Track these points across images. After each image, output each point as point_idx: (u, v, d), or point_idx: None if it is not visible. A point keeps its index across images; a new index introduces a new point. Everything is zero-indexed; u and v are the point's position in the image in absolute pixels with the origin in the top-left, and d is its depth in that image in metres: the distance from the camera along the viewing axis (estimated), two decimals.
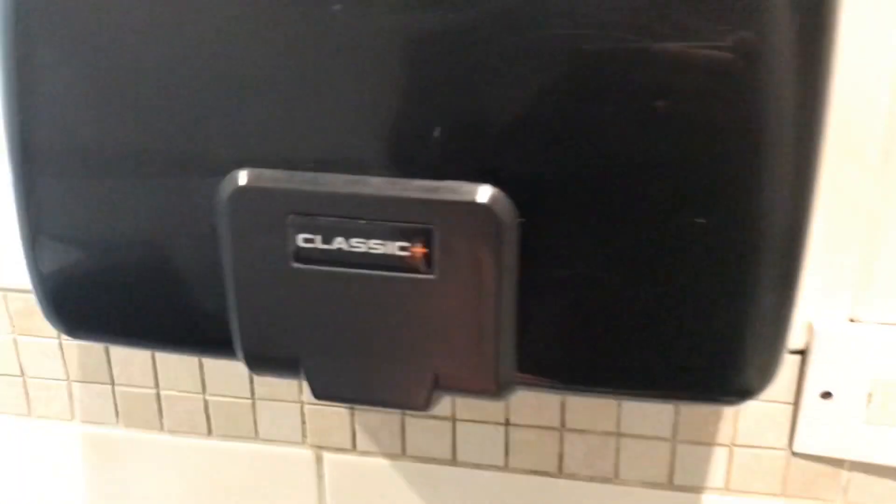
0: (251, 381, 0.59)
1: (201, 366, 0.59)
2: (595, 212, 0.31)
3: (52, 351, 0.60)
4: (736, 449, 0.53)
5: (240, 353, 0.35)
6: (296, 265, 0.33)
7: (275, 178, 0.32)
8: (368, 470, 0.59)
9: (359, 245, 0.32)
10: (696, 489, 0.55)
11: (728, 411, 0.52)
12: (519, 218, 0.31)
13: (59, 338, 0.60)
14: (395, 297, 0.33)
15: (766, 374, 0.33)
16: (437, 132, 0.31)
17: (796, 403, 0.51)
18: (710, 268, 0.31)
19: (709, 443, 0.53)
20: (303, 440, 0.59)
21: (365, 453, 0.59)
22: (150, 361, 0.59)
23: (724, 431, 0.53)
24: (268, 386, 0.59)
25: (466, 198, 0.31)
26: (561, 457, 0.56)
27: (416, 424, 0.57)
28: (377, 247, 0.32)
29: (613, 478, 0.56)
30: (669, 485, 0.55)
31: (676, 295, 0.32)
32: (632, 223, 0.31)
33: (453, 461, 0.58)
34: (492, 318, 0.32)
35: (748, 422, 0.52)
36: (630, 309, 0.32)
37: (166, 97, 0.33)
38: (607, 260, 0.31)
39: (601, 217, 0.31)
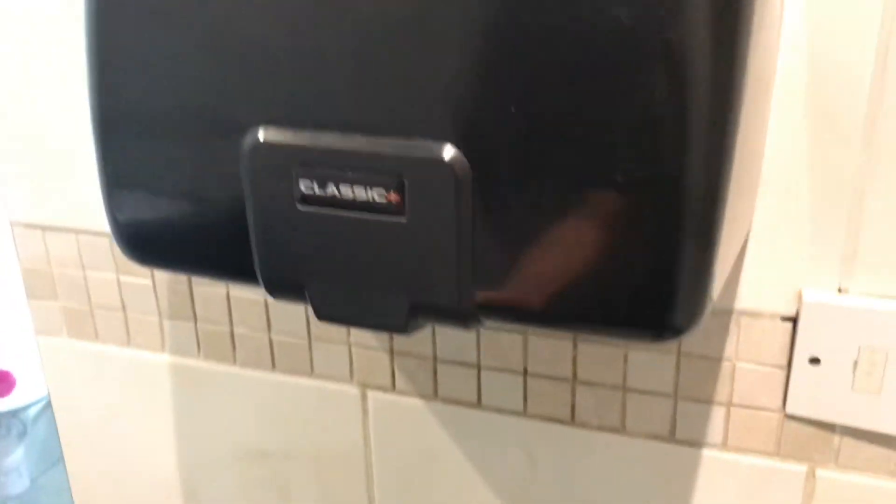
0: (308, 323, 0.67)
1: (267, 308, 0.68)
2: (534, 170, 0.37)
3: (148, 290, 0.71)
4: (733, 408, 0.57)
5: (260, 280, 0.44)
6: (300, 207, 0.40)
7: (284, 135, 0.40)
8: (406, 408, 0.66)
9: (347, 191, 0.39)
10: (697, 444, 0.59)
11: (724, 372, 0.57)
12: (473, 172, 0.38)
13: (152, 278, 0.71)
14: (376, 235, 0.40)
15: (692, 315, 0.38)
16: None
17: (788, 367, 0.55)
18: (634, 220, 0.37)
19: (707, 401, 0.58)
20: (350, 378, 0.68)
21: (403, 393, 0.66)
22: (225, 302, 0.69)
23: (722, 391, 0.57)
24: (322, 328, 0.67)
25: (432, 155, 0.38)
26: (573, 406, 0.61)
27: (447, 370, 0.64)
28: (361, 193, 0.39)
29: (621, 428, 0.61)
30: (671, 438, 0.60)
31: (608, 242, 0.37)
32: (563, 178, 0.36)
33: (478, 404, 0.64)
34: (453, 258, 0.39)
35: (744, 383, 0.56)
36: (567, 252, 0.38)
37: (204, 73, 0.41)
38: (544, 208, 0.37)
39: (539, 174, 0.37)
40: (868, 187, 0.50)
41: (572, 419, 0.62)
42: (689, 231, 0.37)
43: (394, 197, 0.38)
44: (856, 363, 0.53)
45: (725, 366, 0.57)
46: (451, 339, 0.63)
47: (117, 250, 0.70)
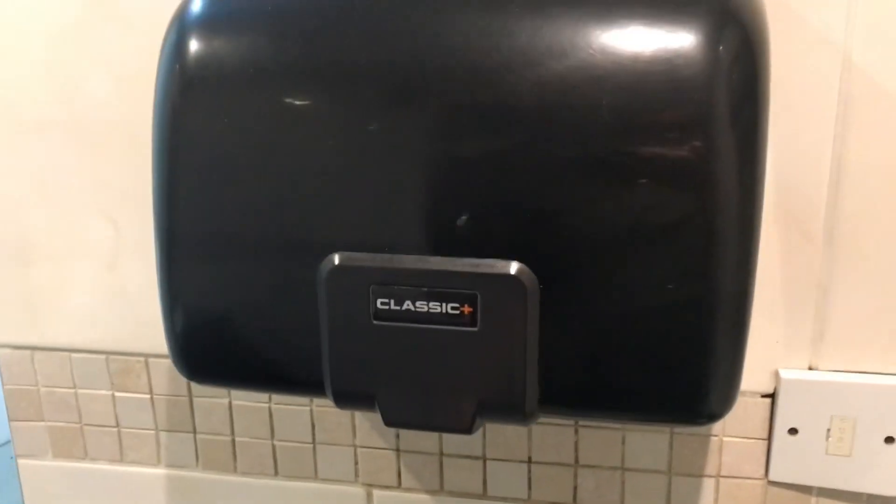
0: (313, 428, 0.70)
1: (271, 415, 0.70)
2: (593, 282, 0.42)
3: (145, 405, 0.72)
4: (721, 479, 0.64)
5: (329, 392, 0.47)
6: (375, 322, 0.45)
7: (361, 258, 0.44)
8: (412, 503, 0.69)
9: (422, 306, 0.44)
10: None
11: (712, 447, 0.63)
12: (540, 285, 0.43)
13: (150, 393, 0.71)
14: (448, 345, 0.44)
15: (726, 402, 0.44)
16: (470, 221, 0.43)
17: (769, 439, 0.62)
18: (679, 322, 0.43)
19: (698, 474, 0.64)
20: (355, 479, 0.70)
21: (409, 489, 0.69)
22: (227, 412, 0.70)
23: (711, 464, 0.63)
24: (326, 432, 0.69)
25: (501, 271, 0.43)
26: (575, 489, 0.66)
27: (452, 463, 0.68)
28: (435, 307, 0.44)
29: None
30: None
31: (656, 343, 0.43)
32: (619, 289, 0.42)
33: (484, 495, 0.68)
34: (521, 360, 0.44)
35: (730, 456, 0.63)
36: (624, 353, 0.43)
37: (279, 203, 0.45)
38: (602, 315, 0.43)
39: (597, 286, 0.42)
40: (831, 279, 0.58)
41: (574, 501, 0.66)
42: (724, 329, 0.43)
43: (467, 310, 0.43)
44: (828, 431, 0.60)
45: (713, 441, 0.63)
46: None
47: (113, 366, 0.71)
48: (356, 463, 0.70)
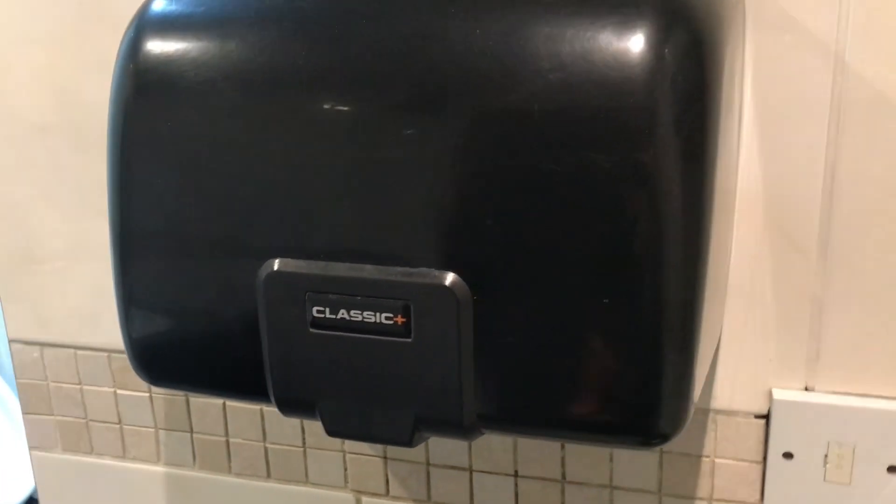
0: (303, 432, 0.69)
1: (263, 417, 0.70)
2: (528, 295, 0.41)
3: (145, 403, 0.73)
4: (714, 503, 0.60)
5: (272, 398, 0.46)
6: (311, 330, 0.44)
7: (297, 265, 0.43)
8: None
9: (357, 315, 0.43)
10: None
11: (704, 468, 0.60)
12: (473, 297, 0.41)
13: (150, 391, 0.73)
14: (383, 355, 0.43)
15: (676, 422, 0.42)
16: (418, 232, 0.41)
17: (764, 463, 0.58)
18: (619, 337, 0.40)
19: (690, 496, 0.61)
20: (345, 484, 0.70)
21: (397, 498, 0.68)
22: (221, 413, 0.71)
23: (703, 487, 0.60)
24: (316, 437, 0.69)
25: (435, 282, 0.41)
26: None
27: (439, 473, 0.66)
28: (370, 317, 0.43)
29: None
30: None
31: (596, 358, 0.41)
32: (555, 303, 0.40)
33: None
34: (456, 374, 0.42)
35: (722, 479, 0.60)
36: (560, 367, 0.41)
37: (224, 206, 0.45)
38: (538, 329, 0.41)
39: (532, 299, 0.41)
40: (825, 294, 0.54)
41: None
42: (670, 345, 0.41)
43: (400, 320, 0.42)
44: (826, 457, 0.56)
45: (705, 462, 0.60)
46: (443, 444, 0.66)
47: (115, 364, 0.73)
48: (345, 469, 0.69)
